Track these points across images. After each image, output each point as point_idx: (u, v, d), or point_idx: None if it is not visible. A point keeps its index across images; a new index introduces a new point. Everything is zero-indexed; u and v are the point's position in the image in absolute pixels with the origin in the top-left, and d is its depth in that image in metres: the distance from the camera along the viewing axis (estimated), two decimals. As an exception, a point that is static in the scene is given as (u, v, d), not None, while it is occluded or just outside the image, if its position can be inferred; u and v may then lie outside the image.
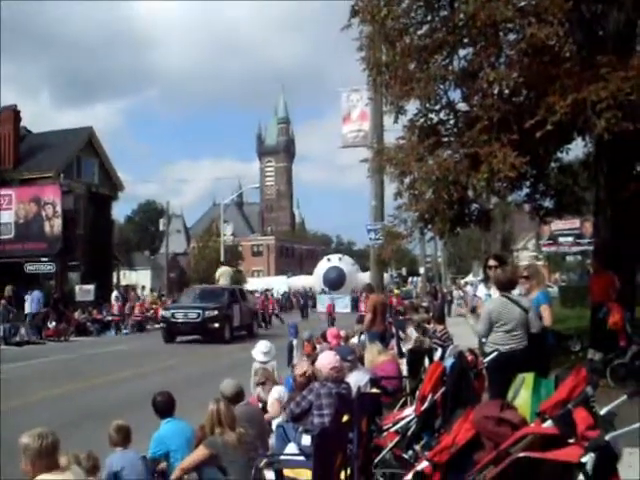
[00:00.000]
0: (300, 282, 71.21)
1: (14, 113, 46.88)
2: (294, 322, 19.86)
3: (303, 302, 51.95)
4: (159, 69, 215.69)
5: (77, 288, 38.76)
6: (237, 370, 13.99)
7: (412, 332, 14.36)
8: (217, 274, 34.92)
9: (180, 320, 27.29)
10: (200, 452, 6.12)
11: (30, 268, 37.16)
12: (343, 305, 47.55)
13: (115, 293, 39.27)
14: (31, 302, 31.16)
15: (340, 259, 71.24)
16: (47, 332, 29.52)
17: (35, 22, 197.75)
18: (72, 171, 46.21)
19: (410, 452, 6.65)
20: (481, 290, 9.61)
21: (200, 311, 27.14)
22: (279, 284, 71.72)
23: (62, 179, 42.53)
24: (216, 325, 26.90)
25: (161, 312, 31.15)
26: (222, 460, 6.00)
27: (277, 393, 8.71)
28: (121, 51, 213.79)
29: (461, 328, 19.65)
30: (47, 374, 18.92)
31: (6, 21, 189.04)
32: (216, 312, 27.13)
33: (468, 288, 42.07)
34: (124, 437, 6.58)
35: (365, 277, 55.69)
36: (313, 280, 69.05)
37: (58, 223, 38.38)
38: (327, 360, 7.66)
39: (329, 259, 71.74)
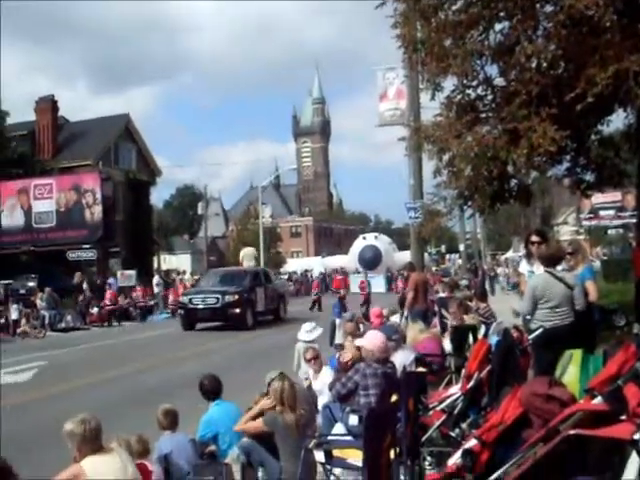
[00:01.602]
0: (335, 262, 70.65)
1: (52, 103, 47.43)
2: (337, 302, 19.93)
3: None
4: (193, 53, 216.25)
5: (119, 274, 39.18)
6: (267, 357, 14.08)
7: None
8: (240, 255, 34.41)
9: (199, 306, 25.80)
10: (257, 426, 6.21)
11: (72, 255, 37.64)
12: (378, 285, 46.95)
13: (156, 278, 39.67)
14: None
15: (376, 237, 69.61)
16: (91, 318, 29.93)
17: (69, 10, 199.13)
18: (110, 158, 46.66)
19: (457, 430, 6.66)
20: (524, 266, 9.51)
21: (219, 296, 25.60)
22: (316, 265, 71.74)
23: (101, 166, 42.96)
24: (237, 310, 25.31)
25: (179, 298, 29.42)
26: (276, 439, 6.06)
27: (328, 377, 8.72)
28: (155, 36, 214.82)
29: (505, 305, 19.49)
30: (91, 359, 19.23)
31: (40, 11, 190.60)
32: (236, 296, 25.55)
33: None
34: (172, 421, 6.66)
35: (402, 256, 55.29)
36: (348, 260, 67.82)
37: (98, 210, 38.80)
38: (373, 339, 7.66)
39: (364, 237, 70.16)
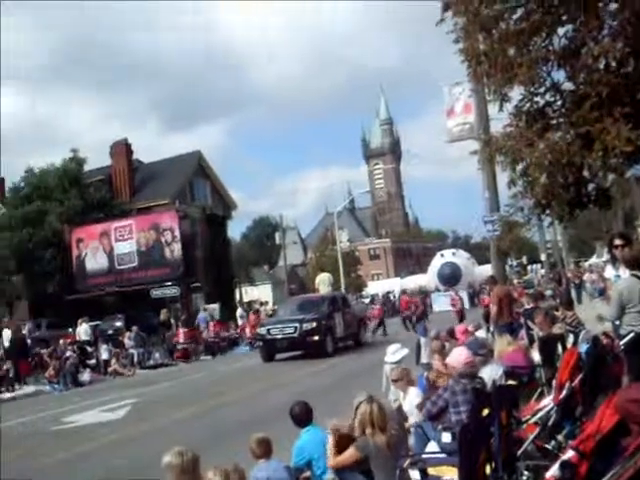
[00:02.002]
0: (415, 282, 70.02)
1: (126, 146, 48.81)
2: (422, 321, 19.89)
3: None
4: (260, 84, 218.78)
5: (202, 308, 39.73)
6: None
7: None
8: (316, 282, 33.81)
9: (277, 336, 25.19)
10: (351, 454, 6.18)
11: (156, 293, 38.39)
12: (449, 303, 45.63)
13: (240, 310, 40.11)
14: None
15: (454, 254, 68.26)
16: (177, 354, 30.36)
17: (135, 53, 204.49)
18: (186, 196, 47.65)
19: (553, 442, 6.53)
20: (609, 271, 9.32)
21: (297, 324, 24.99)
22: (396, 286, 71.38)
23: (177, 204, 43.82)
24: (316, 338, 24.63)
25: (257, 329, 28.56)
26: (371, 463, 6.04)
27: (415, 396, 8.66)
28: (220, 71, 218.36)
29: (593, 313, 19.06)
30: (181, 395, 19.53)
31: (107, 57, 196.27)
32: (314, 324, 24.92)
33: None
34: (266, 449, 6.69)
35: (482, 270, 54.47)
36: (428, 278, 67.29)
37: (178, 247, 39.53)
38: (460, 356, 7.60)
39: (442, 255, 68.81)
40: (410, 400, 8.64)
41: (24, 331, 30.62)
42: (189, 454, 4.82)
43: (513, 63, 11.75)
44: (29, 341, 29.24)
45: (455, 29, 12.84)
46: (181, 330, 32.43)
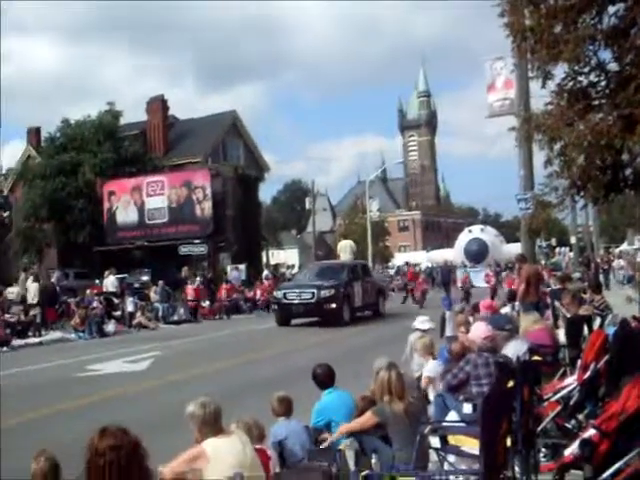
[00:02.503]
0: (441, 256, 69.61)
1: (162, 103, 49.02)
2: (447, 295, 19.88)
3: (443, 277, 45.20)
4: (299, 50, 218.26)
5: (229, 268, 39.96)
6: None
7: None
8: (338, 249, 32.82)
9: (293, 301, 24.94)
10: (367, 418, 6.23)
11: (184, 250, 38.62)
12: (483, 279, 44.48)
13: (266, 272, 40.28)
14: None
15: (482, 230, 67.66)
16: (202, 311, 30.61)
17: (176, 12, 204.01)
18: (219, 155, 47.82)
19: (573, 421, 6.54)
20: (641, 257, 9.23)
21: (315, 290, 24.63)
22: (421, 259, 71.22)
23: (210, 163, 43.96)
24: (333, 305, 24.26)
25: (274, 293, 28.28)
26: (388, 429, 6.09)
27: (430, 370, 8.70)
28: (260, 35, 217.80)
29: (620, 299, 19.00)
30: (204, 351, 19.74)
31: (149, 15, 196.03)
32: (332, 291, 24.56)
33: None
34: (286, 408, 6.78)
35: (510, 249, 54.10)
36: (454, 253, 65.75)
37: (208, 206, 39.67)
38: (480, 331, 7.67)
39: (470, 230, 68.23)
40: (427, 371, 8.69)
41: (52, 279, 30.98)
42: (212, 406, 4.89)
43: (559, 40, 11.57)
44: (57, 289, 29.58)
45: (501, 2, 12.66)
46: (224, 286, 33.38)
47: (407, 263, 60.78)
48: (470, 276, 41.14)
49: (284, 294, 25.50)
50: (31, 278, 27.12)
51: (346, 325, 24.16)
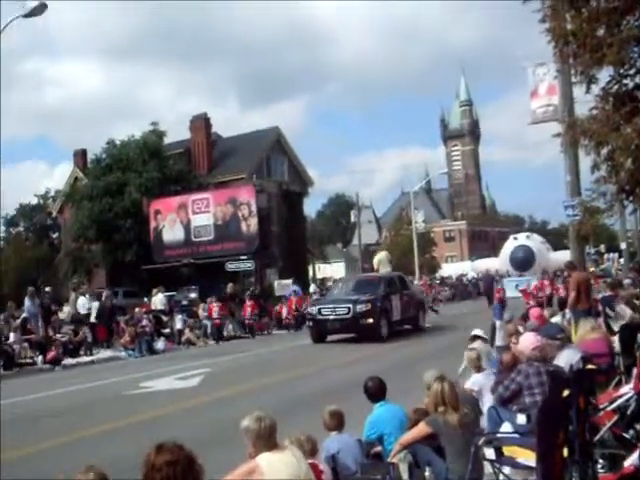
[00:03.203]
0: (486, 265, 68.62)
1: (205, 121, 49.54)
2: (498, 303, 19.66)
3: (487, 287, 43.40)
4: (339, 62, 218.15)
5: (276, 283, 40.07)
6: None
7: (623, 309, 13.74)
8: (375, 261, 31.34)
9: (329, 317, 23.95)
10: (421, 429, 6.20)
11: (230, 266, 38.80)
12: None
13: (313, 286, 40.32)
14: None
15: (528, 237, 67.02)
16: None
17: (216, 29, 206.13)
18: (263, 171, 48.12)
19: (631, 432, 6.42)
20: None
21: (350, 305, 23.56)
22: (466, 269, 70.60)
23: (254, 179, 44.24)
24: (370, 320, 23.15)
25: (308, 308, 27.48)
26: (441, 440, 6.04)
27: (475, 383, 8.64)
28: (301, 48, 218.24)
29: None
30: (254, 366, 19.80)
31: (190, 32, 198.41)
32: (369, 305, 23.44)
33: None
34: (338, 422, 6.77)
35: (558, 256, 53.27)
36: (499, 262, 65.71)
37: (254, 222, 39.85)
38: (528, 341, 7.60)
39: (516, 238, 67.48)
40: (472, 384, 8.63)
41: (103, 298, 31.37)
42: (267, 420, 4.89)
43: (602, 43, 11.45)
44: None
45: (542, 8, 12.58)
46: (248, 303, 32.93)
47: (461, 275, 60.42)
48: (505, 287, 40.65)
49: (319, 310, 24.59)
50: (87, 297, 27.52)
51: (383, 341, 23.13)
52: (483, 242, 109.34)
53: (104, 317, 26.49)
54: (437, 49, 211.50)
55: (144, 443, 3.63)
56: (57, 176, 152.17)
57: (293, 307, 33.03)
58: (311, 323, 25.01)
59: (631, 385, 6.89)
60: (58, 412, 13.10)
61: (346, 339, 24.09)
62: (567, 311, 15.81)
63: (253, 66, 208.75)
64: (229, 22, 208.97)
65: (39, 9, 20.32)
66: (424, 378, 7.40)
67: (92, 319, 26.17)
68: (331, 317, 23.94)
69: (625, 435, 6.38)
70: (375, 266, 30.62)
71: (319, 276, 61.45)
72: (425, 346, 21.25)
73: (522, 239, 65.77)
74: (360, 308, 23.40)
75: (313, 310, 25.11)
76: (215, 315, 29.37)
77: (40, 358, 21.69)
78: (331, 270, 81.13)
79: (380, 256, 31.23)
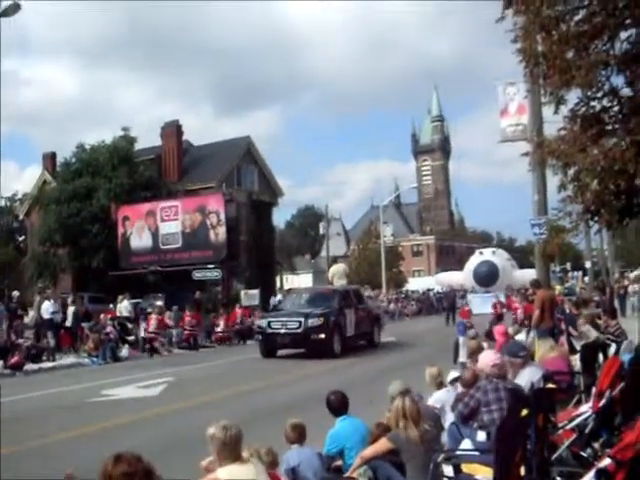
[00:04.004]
0: (449, 279, 68.24)
1: (176, 128, 49.39)
2: (462, 320, 19.73)
3: (448, 304, 44.43)
4: (314, 72, 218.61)
5: (242, 293, 39.98)
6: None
7: (589, 329, 13.88)
8: (330, 273, 29.99)
9: (279, 331, 22.89)
10: (382, 444, 6.20)
11: (197, 275, 38.65)
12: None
13: (279, 297, 40.24)
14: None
15: (494, 252, 66.53)
16: (215, 336, 30.57)
17: (191, 36, 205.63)
18: (233, 180, 48.10)
19: (589, 450, 6.49)
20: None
21: (302, 319, 22.53)
22: (432, 283, 70.81)
23: (224, 188, 44.15)
24: (322, 336, 22.11)
25: (257, 322, 26.52)
26: (402, 456, 6.06)
27: (436, 400, 8.68)
28: (275, 58, 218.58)
29: (637, 324, 18.83)
30: (217, 376, 19.68)
31: (164, 39, 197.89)
32: (321, 320, 22.44)
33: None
34: (299, 434, 6.77)
35: (523, 274, 53.52)
36: (463, 276, 65.15)
37: (222, 231, 39.70)
38: (488, 358, 7.67)
39: (481, 252, 66.94)
40: (433, 400, 8.66)
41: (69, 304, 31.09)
42: (233, 430, 4.87)
43: (571, 66, 11.61)
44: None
45: (514, 28, 12.73)
46: (238, 311, 32.71)
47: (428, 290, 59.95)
48: (472, 304, 40.37)
49: (268, 323, 23.51)
50: (51, 302, 27.32)
51: (336, 357, 22.12)
52: (451, 257, 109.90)
53: (78, 322, 26.57)
54: (411, 64, 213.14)
55: (104, 452, 3.60)
56: (27, 178, 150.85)
57: (237, 319, 32.21)
58: (260, 337, 23.98)
59: (590, 404, 6.97)
60: (16, 419, 12.92)
61: (297, 354, 23.10)
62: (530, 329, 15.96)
63: (227, 73, 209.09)
64: (205, 29, 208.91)
65: (12, 9, 20.04)
66: (388, 390, 7.43)
67: (68, 324, 26.38)
68: (281, 331, 22.90)
69: (583, 454, 6.45)
70: (330, 278, 29.33)
71: (287, 286, 61.38)
72: (379, 363, 20.69)
73: (488, 254, 65.46)
74: (312, 322, 22.42)
75: (262, 323, 24.10)
76: (187, 325, 29.10)
77: (1, 363, 21.37)
78: (299, 281, 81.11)
79: (336, 268, 29.98)
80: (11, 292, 30.56)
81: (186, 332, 28.95)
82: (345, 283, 28.58)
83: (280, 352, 23.53)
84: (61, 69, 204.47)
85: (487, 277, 60.14)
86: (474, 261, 65.24)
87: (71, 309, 26.89)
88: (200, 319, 30.51)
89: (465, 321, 19.61)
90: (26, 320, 27.66)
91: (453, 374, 9.47)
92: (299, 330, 22.45)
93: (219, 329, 31.04)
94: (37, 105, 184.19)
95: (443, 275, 74.51)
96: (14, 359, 21.53)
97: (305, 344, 22.69)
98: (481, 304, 41.27)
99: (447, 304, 45.02)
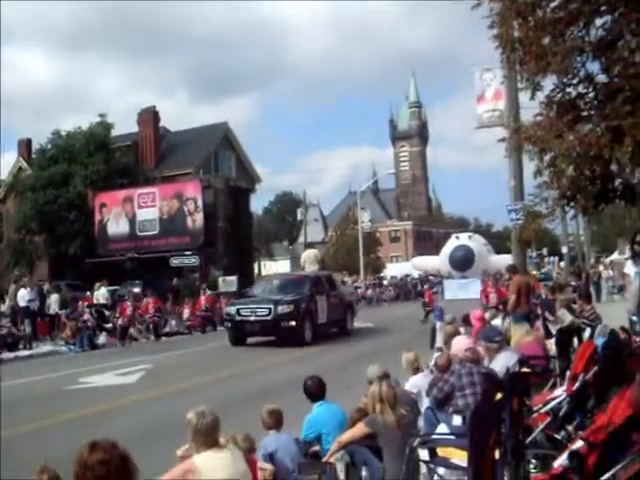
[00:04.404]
0: (425, 263, 68.00)
1: (153, 114, 49.06)
2: (439, 305, 19.76)
3: (422, 289, 44.34)
4: (291, 59, 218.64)
5: (220, 280, 39.91)
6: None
7: (565, 313, 14.01)
8: (301, 259, 29.37)
9: (248, 318, 22.36)
10: (359, 429, 6.25)
11: (175, 262, 38.57)
12: (474, 291, 34.97)
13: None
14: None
15: (470, 237, 67.10)
16: (192, 323, 30.49)
17: (168, 22, 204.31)
18: (210, 166, 47.89)
19: (562, 433, 6.56)
20: (629, 268, 9.27)
21: (271, 306, 22.03)
22: (408, 269, 70.85)
23: (202, 175, 43.96)
24: (292, 323, 21.65)
25: (226, 309, 25.61)
26: (379, 440, 6.10)
27: (413, 385, 8.71)
28: (254, 44, 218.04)
29: (610, 309, 19.01)
30: (194, 363, 19.67)
31: (140, 24, 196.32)
32: (291, 306, 21.99)
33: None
34: (276, 420, 6.81)
35: (500, 259, 53.65)
36: (439, 260, 65.54)
37: (200, 217, 39.58)
38: (461, 343, 7.75)
39: (457, 237, 67.32)
40: (410, 386, 8.70)
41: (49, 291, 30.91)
42: (210, 416, 4.89)
43: (547, 52, 11.63)
44: (48, 301, 29.57)
45: (491, 14, 12.73)
46: (203, 298, 32.13)
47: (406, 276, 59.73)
48: (445, 288, 40.16)
49: (237, 310, 22.91)
50: (27, 289, 27.14)
51: (307, 344, 21.72)
52: (428, 242, 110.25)
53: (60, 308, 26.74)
54: (388, 50, 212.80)
55: (82, 440, 3.60)
56: (2, 165, 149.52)
57: (202, 306, 31.46)
58: (229, 324, 23.37)
59: (564, 387, 7.04)
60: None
61: (268, 342, 22.71)
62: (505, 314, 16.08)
63: (204, 60, 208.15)
64: (182, 14, 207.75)
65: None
66: (367, 374, 7.48)
67: (53, 310, 26.86)
68: (251, 318, 22.36)
69: (557, 436, 6.52)
70: (302, 264, 28.66)
71: (264, 273, 61.35)
72: (351, 351, 20.37)
73: (464, 239, 65.75)
74: (282, 309, 21.94)
75: (231, 310, 23.46)
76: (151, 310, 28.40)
77: (-22, 351, 21.26)
78: (276, 267, 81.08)
79: (307, 254, 29.17)
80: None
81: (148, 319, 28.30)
82: (317, 269, 27.87)
83: (250, 340, 23.05)
84: (37, 55, 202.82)
85: (463, 261, 60.18)
86: (450, 245, 65.19)
87: (54, 297, 26.75)
88: (161, 306, 29.85)
89: (437, 306, 19.61)
90: (2, 308, 27.48)
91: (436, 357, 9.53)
92: (269, 317, 21.98)
93: (185, 317, 30.91)
94: (13, 91, 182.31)
95: (419, 259, 74.56)
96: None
97: (275, 332, 22.27)
98: (457, 289, 41.26)
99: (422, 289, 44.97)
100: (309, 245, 62.66)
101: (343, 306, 25.65)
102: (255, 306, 22.67)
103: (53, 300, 26.65)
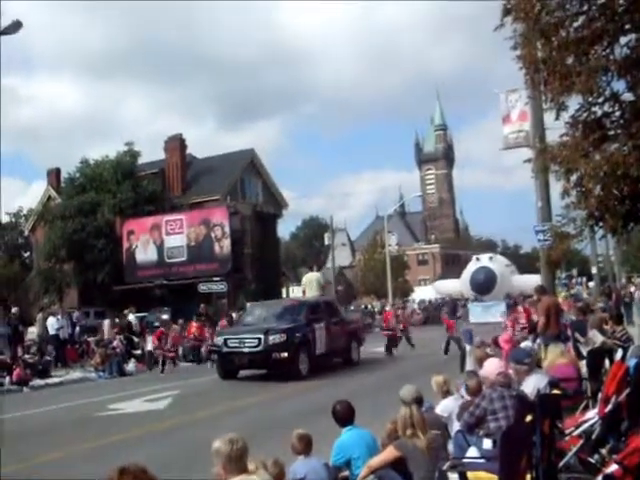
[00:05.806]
0: (447, 286, 66.62)
1: (180, 141, 49.39)
2: (469, 328, 19.57)
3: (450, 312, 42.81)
4: (317, 83, 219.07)
5: (248, 305, 39.92)
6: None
7: (596, 334, 13.82)
8: (302, 283, 27.36)
9: (236, 349, 20.14)
10: (389, 452, 6.19)
11: (203, 288, 38.73)
12: (498, 313, 33.65)
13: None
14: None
15: (491, 258, 64.57)
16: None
17: (194, 48, 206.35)
18: (237, 192, 48.04)
19: (596, 456, 6.45)
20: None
21: (261, 336, 19.63)
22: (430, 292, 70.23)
23: (228, 201, 44.18)
24: (284, 354, 19.23)
25: (214, 339, 23.36)
26: (409, 464, 6.04)
27: (443, 409, 8.62)
28: (279, 69, 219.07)
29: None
30: (224, 389, 19.57)
31: (167, 52, 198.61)
32: (284, 336, 19.62)
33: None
34: (306, 445, 6.75)
35: (525, 280, 52.52)
36: (461, 283, 63.92)
37: (227, 244, 39.80)
38: (493, 366, 7.65)
39: (478, 259, 64.84)
40: (440, 410, 8.60)
41: (74, 319, 31.05)
42: (239, 443, 4.83)
43: (572, 72, 11.60)
44: (77, 329, 29.75)
45: (514, 35, 12.73)
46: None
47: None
48: (472, 312, 39.46)
49: (225, 341, 20.67)
50: (58, 317, 27.31)
51: (302, 378, 19.38)
52: (456, 265, 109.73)
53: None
54: (414, 73, 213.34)
55: (110, 466, 3.60)
56: (31, 194, 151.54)
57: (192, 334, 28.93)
58: (216, 356, 21.37)
59: (596, 410, 6.94)
60: (25, 434, 12.93)
61: (259, 375, 20.62)
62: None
63: (230, 86, 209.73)
64: (207, 41, 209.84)
65: (13, 27, 20.06)
66: (400, 394, 7.40)
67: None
68: (239, 350, 20.13)
69: (590, 460, 6.41)
70: (302, 288, 26.58)
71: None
72: (354, 384, 17.79)
73: (485, 260, 63.88)
74: (273, 339, 19.58)
75: (218, 341, 21.30)
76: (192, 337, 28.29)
77: (7, 379, 21.38)
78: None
79: (309, 277, 26.40)
80: (12, 309, 30.63)
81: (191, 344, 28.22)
82: (317, 294, 25.07)
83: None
84: (63, 85, 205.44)
85: (484, 284, 58.77)
86: (471, 268, 63.51)
87: (51, 320, 26.99)
88: (204, 331, 29.21)
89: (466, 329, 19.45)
90: (31, 336, 27.65)
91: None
92: (259, 348, 19.65)
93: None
94: (41, 121, 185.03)
95: (441, 283, 73.63)
96: (15, 373, 21.53)
97: (266, 364, 20.03)
98: (482, 313, 40.78)
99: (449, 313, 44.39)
100: (340, 270, 62.13)
101: (347, 334, 23.08)
102: (244, 336, 20.44)
103: (50, 324, 26.68)
